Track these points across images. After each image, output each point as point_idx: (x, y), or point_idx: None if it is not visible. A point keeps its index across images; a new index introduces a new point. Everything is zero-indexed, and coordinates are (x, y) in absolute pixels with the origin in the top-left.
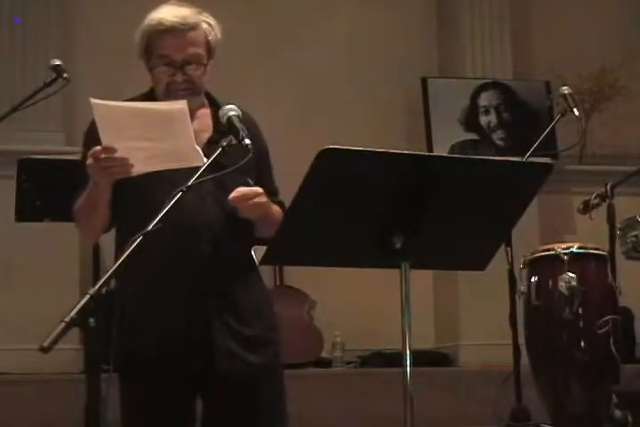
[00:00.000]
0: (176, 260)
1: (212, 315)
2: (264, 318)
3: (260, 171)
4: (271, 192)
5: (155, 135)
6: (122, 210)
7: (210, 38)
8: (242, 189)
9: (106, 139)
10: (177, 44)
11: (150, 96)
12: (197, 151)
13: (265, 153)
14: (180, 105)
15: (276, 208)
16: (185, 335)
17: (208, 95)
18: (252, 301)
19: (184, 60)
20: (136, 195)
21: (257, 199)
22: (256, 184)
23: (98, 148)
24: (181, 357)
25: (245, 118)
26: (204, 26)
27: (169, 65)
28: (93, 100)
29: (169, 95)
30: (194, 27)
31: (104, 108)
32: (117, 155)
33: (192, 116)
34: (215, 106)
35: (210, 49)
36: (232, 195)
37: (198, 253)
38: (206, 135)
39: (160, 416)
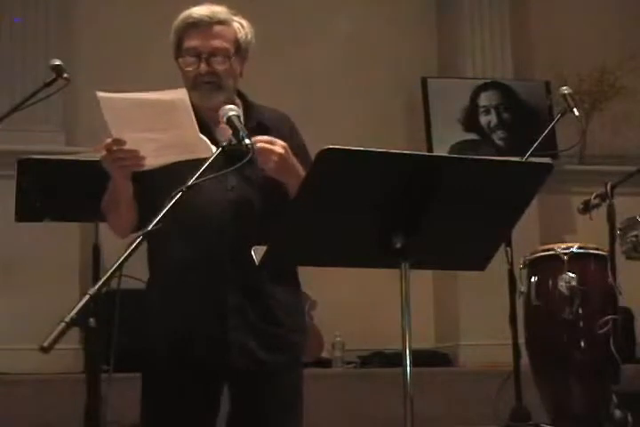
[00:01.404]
0: (201, 257)
1: (234, 312)
2: (295, 318)
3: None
4: None
5: (159, 126)
6: (148, 211)
7: (239, 36)
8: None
9: (114, 131)
10: (204, 36)
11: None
12: (204, 141)
13: (300, 150)
14: (180, 95)
15: None
16: (207, 333)
17: (240, 94)
18: (286, 300)
19: (210, 52)
20: (159, 196)
21: (282, 153)
22: None
23: (108, 140)
24: (202, 354)
25: (276, 117)
26: (235, 24)
27: (195, 56)
28: (99, 94)
29: (194, 89)
30: (222, 22)
31: (110, 100)
32: (127, 147)
33: (218, 114)
34: (247, 104)
35: (239, 47)
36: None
37: (226, 250)
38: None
39: (182, 411)
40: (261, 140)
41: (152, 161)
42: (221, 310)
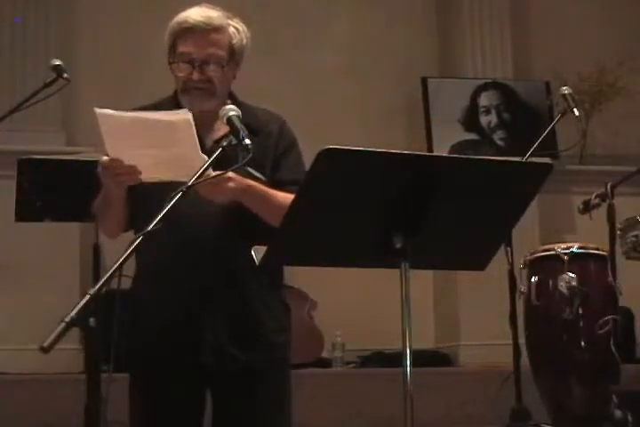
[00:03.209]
0: (181, 258)
1: (214, 312)
2: (277, 318)
3: (277, 164)
4: (285, 182)
5: (159, 144)
6: (137, 211)
7: (234, 42)
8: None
9: (111, 148)
10: (198, 42)
11: (176, 97)
12: (203, 159)
13: (285, 148)
14: (184, 116)
15: (274, 193)
16: (184, 333)
17: (233, 97)
18: (268, 299)
19: (203, 59)
20: (150, 196)
21: (224, 184)
22: (271, 175)
23: (106, 158)
24: (181, 354)
25: (266, 117)
26: (231, 29)
27: (188, 63)
28: (97, 110)
29: (185, 93)
30: (218, 28)
31: (108, 117)
32: (125, 163)
33: (211, 117)
34: (236, 104)
35: (233, 53)
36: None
37: (204, 252)
38: (220, 134)
39: (164, 411)
40: (207, 186)
41: (148, 175)
42: (200, 310)
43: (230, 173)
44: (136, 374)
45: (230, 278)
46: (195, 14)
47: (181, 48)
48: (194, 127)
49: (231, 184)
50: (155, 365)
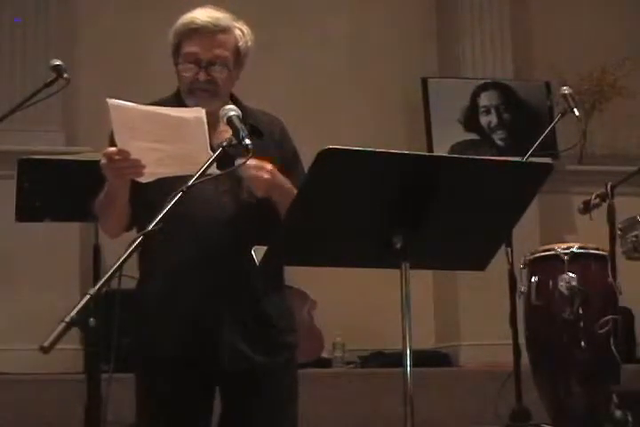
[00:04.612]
0: (195, 258)
1: (228, 314)
2: (287, 319)
3: (285, 171)
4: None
5: (168, 138)
6: (141, 210)
7: (240, 44)
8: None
9: (119, 139)
10: (205, 43)
11: (178, 96)
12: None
13: (291, 154)
14: (197, 113)
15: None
16: (200, 334)
17: (234, 99)
18: (278, 300)
19: (210, 60)
20: (154, 196)
21: (262, 173)
22: None
23: (112, 149)
24: (195, 355)
25: (268, 120)
26: (236, 31)
27: (194, 63)
28: (110, 101)
29: (191, 94)
30: (225, 29)
31: (120, 108)
32: (131, 156)
33: (215, 118)
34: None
35: (238, 55)
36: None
37: (216, 253)
38: (227, 136)
39: (173, 411)
40: (250, 167)
41: (152, 170)
42: (212, 311)
43: (269, 165)
44: (145, 374)
45: (243, 280)
46: (202, 15)
47: (187, 49)
48: (206, 125)
49: (267, 175)
50: (165, 364)
